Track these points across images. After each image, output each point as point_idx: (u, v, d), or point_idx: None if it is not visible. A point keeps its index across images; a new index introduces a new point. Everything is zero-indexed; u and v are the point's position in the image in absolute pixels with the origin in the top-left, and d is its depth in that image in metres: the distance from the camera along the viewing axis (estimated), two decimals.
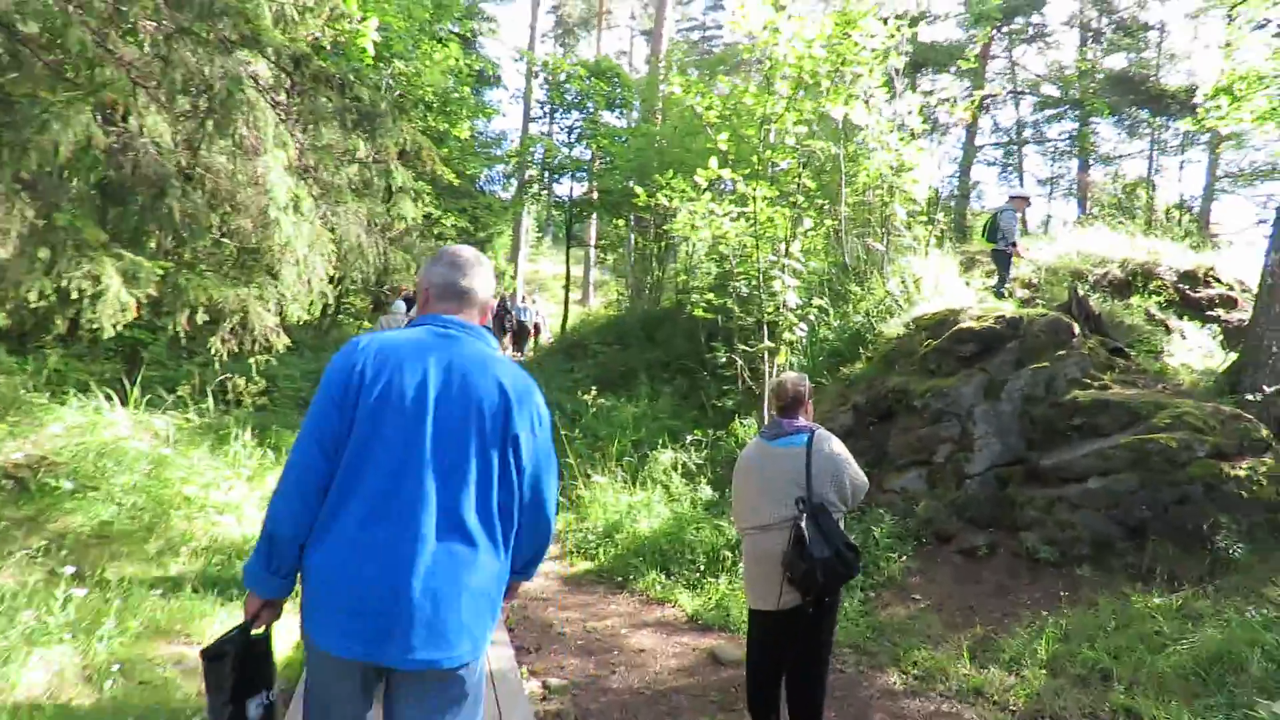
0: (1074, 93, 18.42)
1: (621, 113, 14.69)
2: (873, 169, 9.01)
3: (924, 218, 9.69)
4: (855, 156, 9.66)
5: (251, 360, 7.52)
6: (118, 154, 5.44)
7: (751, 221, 8.08)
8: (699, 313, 8.79)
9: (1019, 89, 21.27)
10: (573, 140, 14.69)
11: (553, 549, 6.44)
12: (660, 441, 8.08)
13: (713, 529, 5.98)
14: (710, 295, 8.79)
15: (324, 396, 1.83)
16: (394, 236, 7.55)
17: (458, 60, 14.21)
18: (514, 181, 20.27)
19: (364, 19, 7.45)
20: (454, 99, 14.55)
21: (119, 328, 7.16)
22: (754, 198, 7.40)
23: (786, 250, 7.34)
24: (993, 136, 22.63)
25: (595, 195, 14.85)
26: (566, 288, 15.83)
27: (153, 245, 6.34)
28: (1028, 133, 22.45)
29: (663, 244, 14.07)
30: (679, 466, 7.21)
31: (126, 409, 7.19)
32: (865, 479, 3.41)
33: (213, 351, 6.52)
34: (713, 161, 7.99)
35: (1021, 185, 22.12)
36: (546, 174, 15.59)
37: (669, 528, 6.16)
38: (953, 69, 16.40)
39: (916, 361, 7.39)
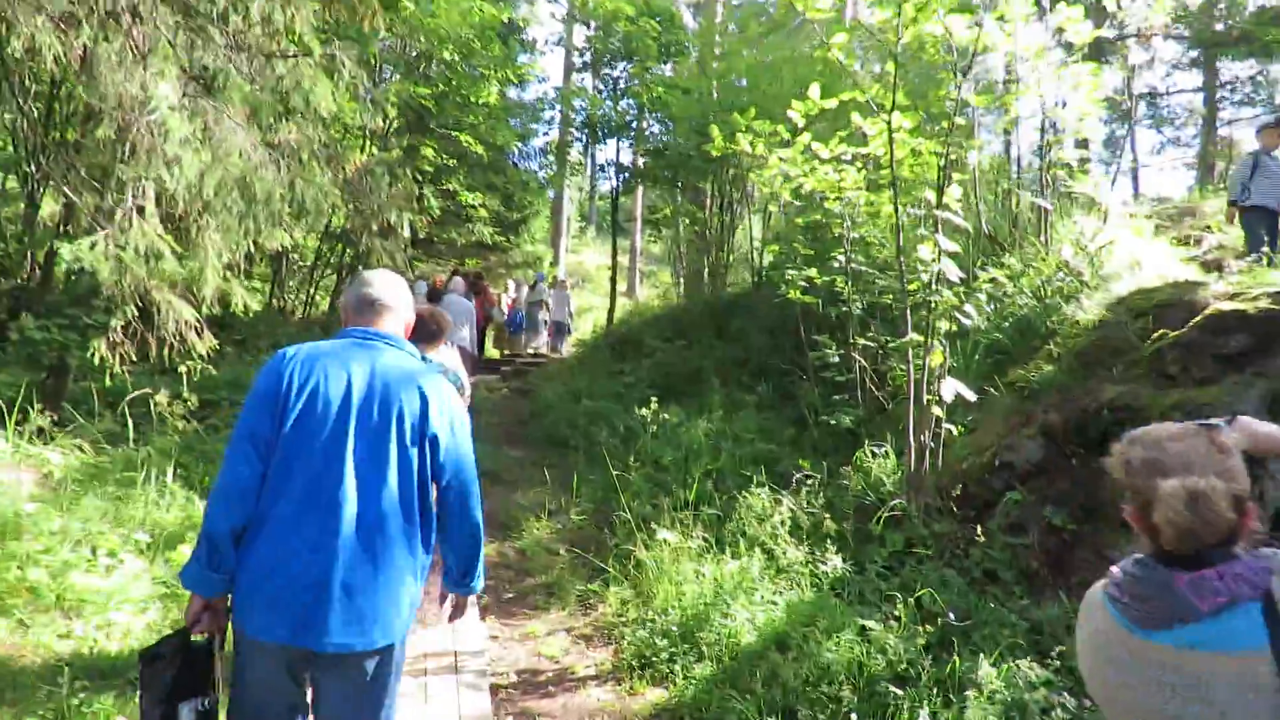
0: None
1: (675, 63, 12.48)
2: (1019, 105, 6.61)
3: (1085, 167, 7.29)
4: (987, 89, 7.28)
5: (183, 368, 5.54)
6: None
7: (877, 163, 5.82)
8: (795, 295, 6.55)
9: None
10: (620, 93, 12.53)
11: (604, 656, 4.28)
12: (750, 475, 5.87)
13: (857, 634, 3.77)
14: (811, 271, 6.53)
15: (254, 401, 2.00)
16: (348, 178, 5.49)
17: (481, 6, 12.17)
18: (552, 159, 18.23)
19: None
20: (478, 52, 12.52)
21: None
22: (886, 123, 5.13)
23: (939, 199, 5.06)
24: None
25: (642, 161, 12.62)
26: (613, 271, 13.67)
27: None
28: None
29: (729, 216, 11.81)
30: (784, 518, 4.99)
31: (6, 437, 5.25)
32: None
33: (96, 359, 4.53)
34: (813, 90, 5.78)
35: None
36: (588, 134, 13.39)
37: (784, 628, 3.96)
38: None
39: (1141, 362, 5.08)
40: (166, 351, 4.85)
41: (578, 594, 4.95)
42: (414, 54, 13.10)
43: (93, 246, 3.80)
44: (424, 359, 4.10)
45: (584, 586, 5.02)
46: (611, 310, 12.71)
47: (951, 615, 3.82)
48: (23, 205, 8.56)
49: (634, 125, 12.31)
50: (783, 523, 4.97)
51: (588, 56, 13.34)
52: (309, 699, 2.10)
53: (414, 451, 2.04)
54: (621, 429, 7.59)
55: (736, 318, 9.94)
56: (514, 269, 16.95)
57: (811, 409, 6.62)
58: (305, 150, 4.29)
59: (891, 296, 6.68)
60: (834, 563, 4.43)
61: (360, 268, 13.62)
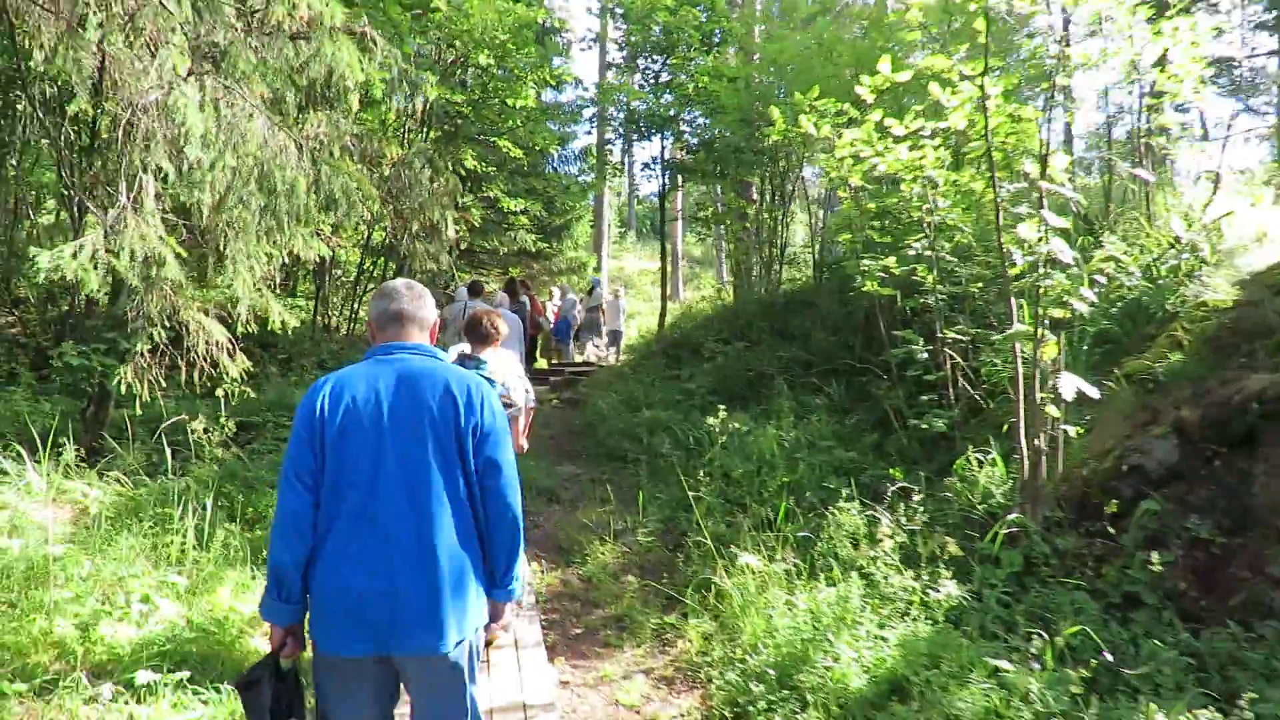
0: None
1: (718, 53, 11.96)
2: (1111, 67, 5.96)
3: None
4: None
5: (220, 392, 5.20)
6: None
7: (961, 138, 5.27)
8: (871, 287, 5.99)
9: None
10: (660, 85, 12.03)
11: (691, 703, 3.79)
12: (833, 488, 5.34)
13: (989, 676, 3.22)
14: (889, 260, 5.97)
15: (295, 438, 2.08)
16: (383, 173, 5.05)
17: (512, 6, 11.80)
18: (591, 163, 17.84)
19: None
20: (512, 56, 12.15)
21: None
22: (979, 86, 4.57)
23: (1042, 170, 4.48)
24: None
25: (684, 156, 12.09)
26: (663, 272, 13.15)
27: None
28: None
29: (781, 211, 11.25)
30: (882, 536, 4.45)
31: (41, 472, 4.99)
32: None
33: (121, 387, 4.20)
34: (883, 65, 5.31)
35: None
36: (629, 130, 12.90)
37: (901, 669, 3.43)
38: None
39: None
40: (196, 375, 4.52)
41: (653, 628, 4.47)
42: (449, 60, 12.83)
43: (75, 254, 3.42)
44: (477, 360, 3.76)
45: (660, 619, 4.54)
46: (662, 314, 12.23)
47: (1108, 655, 3.25)
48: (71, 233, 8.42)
49: (678, 117, 11.79)
50: (880, 541, 4.43)
51: (625, 52, 12.87)
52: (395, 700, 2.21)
53: (452, 448, 2.10)
54: (685, 439, 7.10)
55: (797, 316, 9.39)
56: (557, 276, 16.59)
57: (896, 412, 6.05)
58: (335, 144, 3.88)
59: (979, 285, 6.10)
60: (948, 589, 3.88)
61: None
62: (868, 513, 4.71)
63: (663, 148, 12.32)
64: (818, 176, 10.70)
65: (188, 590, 4.09)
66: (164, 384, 4.63)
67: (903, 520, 4.50)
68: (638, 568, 5.33)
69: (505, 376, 3.90)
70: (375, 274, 13.67)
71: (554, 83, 15.76)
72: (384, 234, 10.90)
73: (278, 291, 13.49)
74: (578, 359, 15.09)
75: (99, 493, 5.13)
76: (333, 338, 11.74)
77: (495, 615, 2.50)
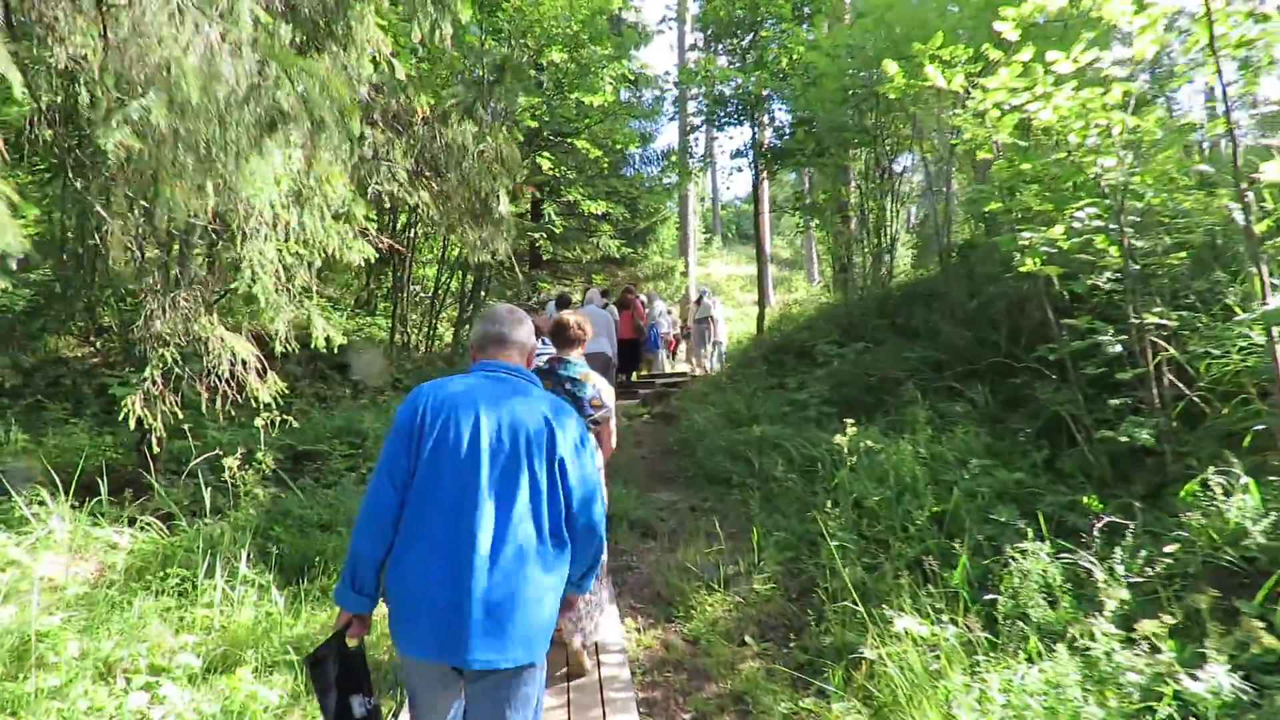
0: None
1: (810, 25, 10.85)
2: None
3: None
4: None
5: (260, 421, 4.51)
6: None
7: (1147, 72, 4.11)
8: (1032, 265, 4.84)
9: None
10: (749, 64, 10.99)
11: None
12: (1004, 520, 4.22)
13: None
14: (1055, 232, 4.78)
15: (393, 440, 2.15)
16: (413, 133, 4.14)
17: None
18: (674, 160, 16.94)
19: None
20: (586, 47, 11.40)
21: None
22: None
23: None
24: None
25: (787, 133, 10.97)
26: (760, 270, 12.05)
27: None
28: None
29: (891, 194, 10.03)
30: (1090, 590, 3.31)
31: (62, 516, 4.40)
32: None
33: (132, 417, 3.50)
34: None
35: None
36: (714, 114, 11.89)
37: None
38: None
39: None
40: (220, 401, 3.84)
41: (784, 715, 3.46)
42: (523, 59, 12.22)
43: None
44: (566, 362, 3.73)
45: (791, 702, 3.52)
46: (761, 316, 11.16)
47: None
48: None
49: (771, 97, 10.72)
50: (1100, 603, 3.29)
51: (708, 31, 11.90)
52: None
53: (543, 476, 2.15)
54: (799, 459, 6.04)
55: (919, 310, 8.17)
56: (643, 282, 15.73)
57: (1074, 420, 4.83)
58: (338, 83, 3.03)
59: (1180, 257, 4.84)
60: (1215, 677, 2.71)
61: (482, 294, 12.82)
62: (1063, 556, 3.58)
63: (753, 132, 11.28)
64: (934, 150, 9.44)
65: (204, 669, 3.34)
66: (178, 413, 3.96)
67: (1120, 569, 3.34)
68: (755, 624, 4.33)
69: (595, 378, 3.80)
70: (454, 288, 13.16)
71: (632, 78, 15.00)
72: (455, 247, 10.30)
73: (347, 309, 13.19)
74: (668, 369, 14.21)
75: (129, 539, 4.51)
76: (410, 357, 11.21)
77: (565, 604, 2.36)
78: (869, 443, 5.06)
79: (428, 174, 4.14)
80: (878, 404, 6.90)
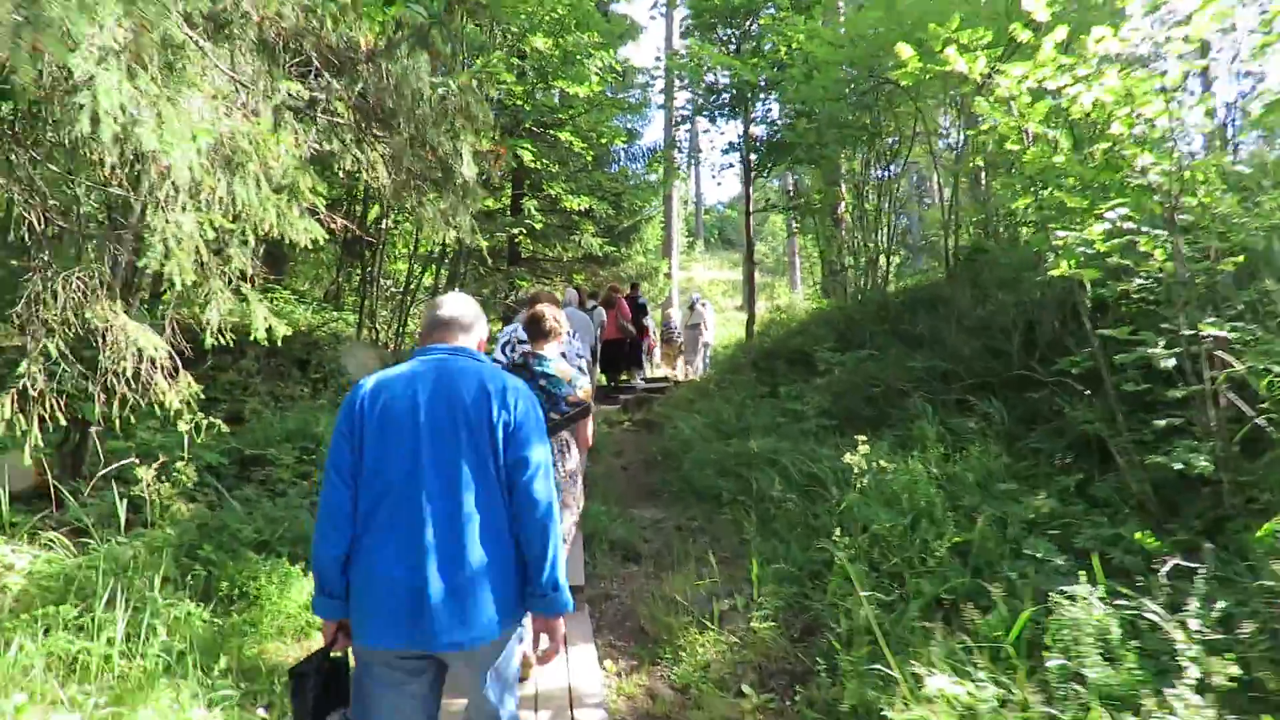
0: None
1: (808, 16, 10.36)
2: None
3: None
4: None
5: (185, 427, 3.89)
6: None
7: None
8: (1066, 269, 4.35)
9: None
10: (746, 53, 10.47)
11: None
12: (1040, 555, 3.73)
13: None
14: (1093, 232, 4.29)
15: (336, 434, 2.14)
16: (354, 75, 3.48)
17: None
18: (661, 158, 16.42)
19: None
20: (571, 33, 10.85)
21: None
22: None
23: None
24: None
25: (782, 124, 10.44)
26: (748, 271, 11.51)
27: None
28: None
29: (890, 193, 9.57)
30: (1154, 647, 2.81)
31: None
32: None
33: (1, 420, 2.90)
34: None
35: None
36: (706, 102, 11.35)
37: None
38: None
39: None
40: (115, 404, 3.23)
41: None
42: (503, 47, 11.65)
43: None
44: (539, 357, 3.58)
45: None
46: (750, 320, 10.62)
47: None
48: None
49: (766, 86, 10.17)
50: (1157, 654, 2.79)
51: (700, 20, 11.37)
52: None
53: (485, 445, 2.11)
54: (798, 477, 5.51)
55: (923, 316, 7.70)
56: (626, 283, 15.15)
57: (1115, 446, 4.34)
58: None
59: (1235, 262, 4.37)
60: None
61: (457, 289, 12.21)
62: (1119, 602, 3.08)
63: (747, 125, 10.76)
64: (931, 152, 8.98)
65: None
66: (66, 421, 3.35)
67: (1192, 621, 2.83)
68: (754, 670, 3.79)
69: (573, 374, 3.65)
70: (427, 285, 12.55)
71: (619, 69, 14.46)
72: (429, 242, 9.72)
73: (314, 303, 12.52)
74: (651, 374, 13.68)
75: (28, 561, 3.88)
76: (378, 354, 10.57)
77: (548, 631, 2.20)
78: (882, 462, 4.54)
79: (377, 129, 3.52)
80: (880, 417, 6.40)
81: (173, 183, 2.63)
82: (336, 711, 2.19)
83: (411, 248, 11.94)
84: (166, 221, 2.60)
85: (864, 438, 4.39)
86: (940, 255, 8.42)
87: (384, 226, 12.44)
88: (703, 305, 13.94)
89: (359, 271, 12.24)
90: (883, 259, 9.18)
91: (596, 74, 12.80)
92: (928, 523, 4.30)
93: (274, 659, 3.72)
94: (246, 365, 9.54)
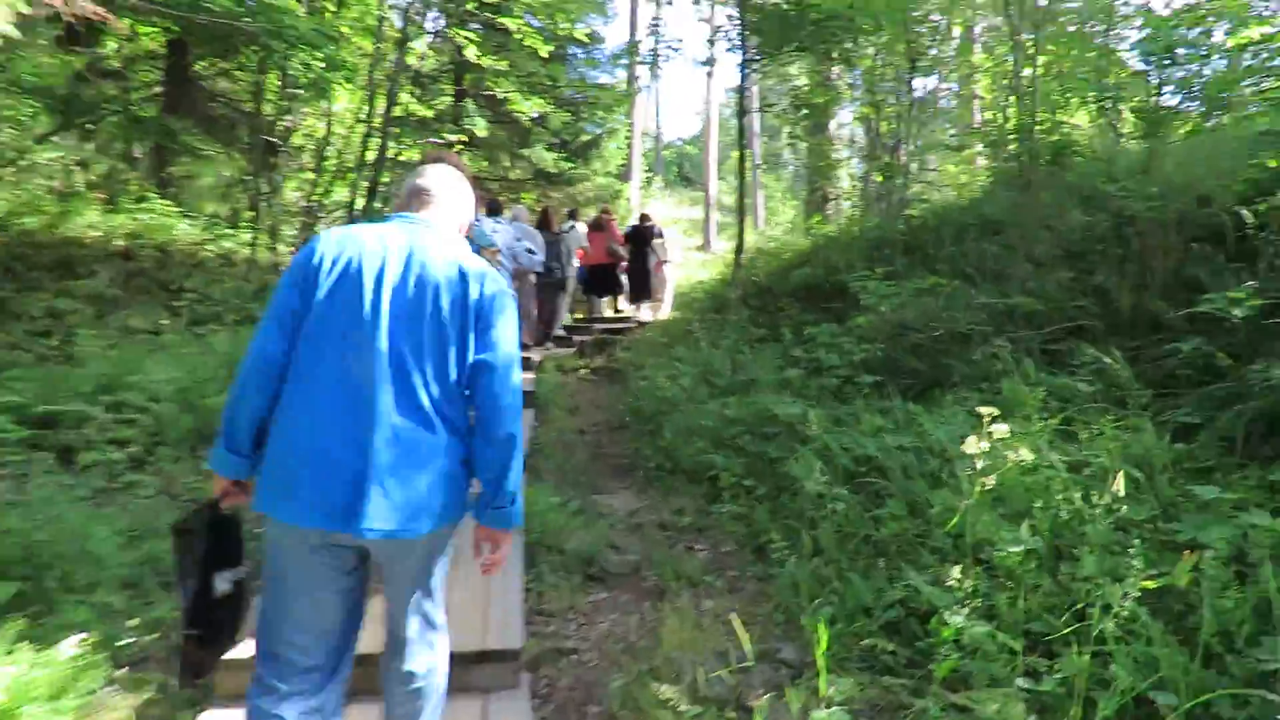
0: None
1: None
2: None
3: None
4: None
5: None
6: None
7: None
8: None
9: None
10: None
11: None
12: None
13: None
14: None
15: (285, 279, 1.88)
16: None
17: None
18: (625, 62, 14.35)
19: None
20: None
21: None
22: None
23: None
24: None
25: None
26: (740, 185, 9.64)
27: None
28: None
29: (909, 97, 7.80)
30: None
31: None
32: None
33: None
34: None
35: None
36: None
37: None
38: None
39: None
40: None
41: None
42: None
43: None
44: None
45: None
46: (739, 248, 8.83)
47: None
48: None
49: None
50: None
51: None
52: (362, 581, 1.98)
53: (453, 331, 1.88)
54: (847, 460, 3.82)
55: (970, 244, 6.03)
56: (585, 206, 13.15)
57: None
58: None
59: None
60: None
61: (376, 206, 10.22)
62: None
63: (741, 5, 8.76)
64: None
65: None
66: None
67: None
68: None
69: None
70: (342, 199, 10.50)
71: None
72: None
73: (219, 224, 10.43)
74: (609, 314, 11.92)
75: None
76: (265, 275, 8.60)
77: (491, 541, 1.95)
78: (1026, 451, 2.84)
79: None
80: (936, 372, 4.75)
81: None
82: (223, 570, 1.99)
83: (317, 154, 9.88)
84: None
85: (995, 411, 2.70)
86: (998, 153, 6.69)
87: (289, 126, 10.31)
88: (661, 236, 12.30)
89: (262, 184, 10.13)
90: (915, 166, 7.44)
91: None
92: (1088, 552, 2.66)
93: None
94: (96, 286, 7.53)
